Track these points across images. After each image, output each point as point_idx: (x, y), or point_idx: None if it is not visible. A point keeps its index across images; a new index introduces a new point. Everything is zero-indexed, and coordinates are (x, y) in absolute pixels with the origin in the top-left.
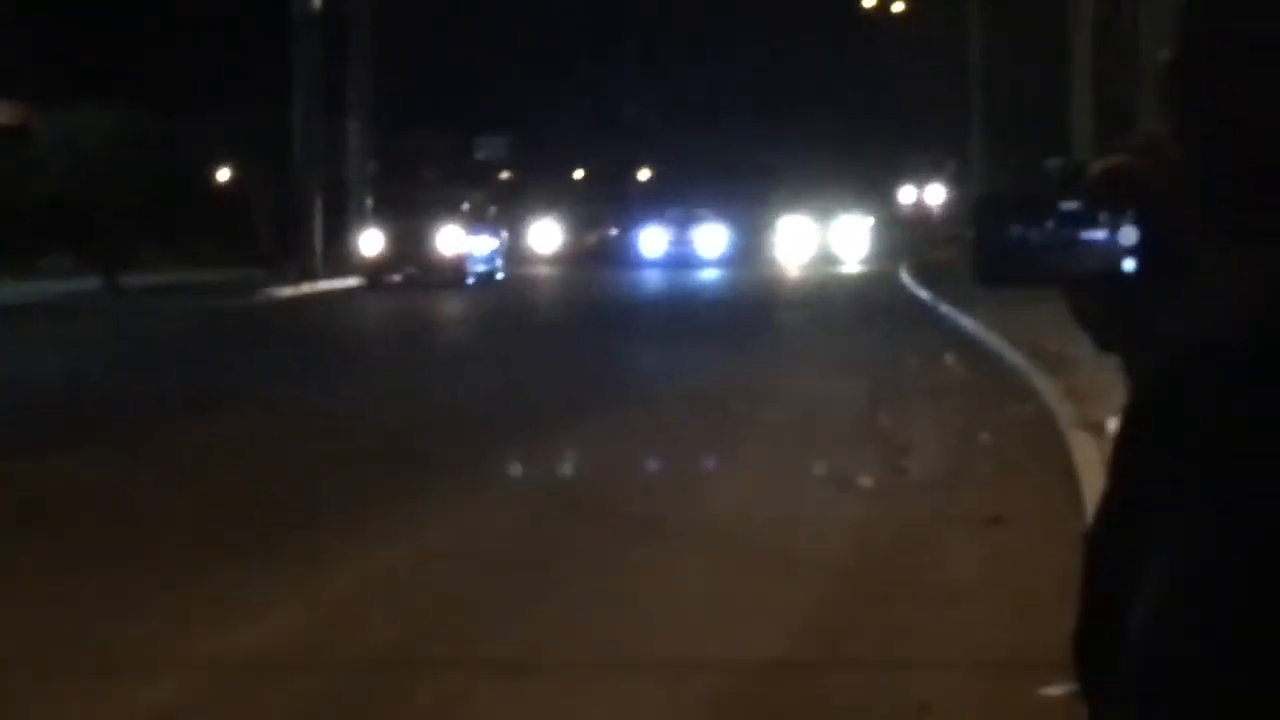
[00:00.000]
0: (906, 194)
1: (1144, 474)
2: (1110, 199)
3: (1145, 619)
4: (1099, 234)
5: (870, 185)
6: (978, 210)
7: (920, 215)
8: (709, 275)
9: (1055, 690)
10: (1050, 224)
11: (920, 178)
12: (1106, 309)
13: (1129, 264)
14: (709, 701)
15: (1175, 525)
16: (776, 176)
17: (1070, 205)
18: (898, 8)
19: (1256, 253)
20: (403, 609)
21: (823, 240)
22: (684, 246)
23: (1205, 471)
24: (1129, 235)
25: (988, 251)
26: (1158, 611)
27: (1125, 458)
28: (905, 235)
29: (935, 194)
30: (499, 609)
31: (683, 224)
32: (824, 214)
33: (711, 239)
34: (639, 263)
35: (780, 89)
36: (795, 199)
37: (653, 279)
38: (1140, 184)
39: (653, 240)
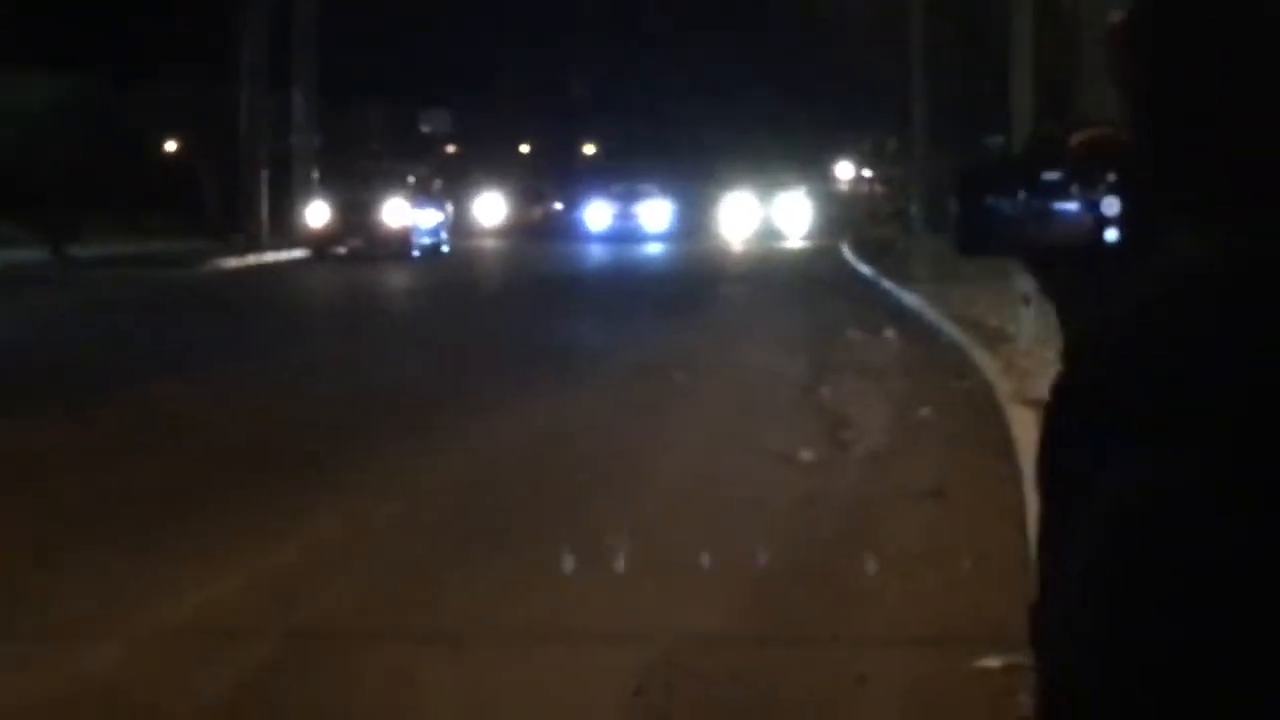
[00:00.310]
0: (843, 170)
1: (1084, 444)
2: (1091, 169)
3: (1079, 577)
4: (1072, 205)
5: (811, 163)
6: (961, 183)
7: (861, 192)
8: (653, 249)
9: (992, 662)
10: (1023, 195)
11: (858, 156)
12: (1082, 280)
13: (1111, 235)
14: (646, 672)
15: (1109, 495)
16: (719, 153)
17: (1051, 176)
18: None
19: (1207, 227)
20: (347, 577)
21: (765, 216)
22: (629, 221)
23: (1150, 431)
24: (1111, 206)
25: (969, 223)
26: (1092, 565)
27: (1069, 425)
28: (846, 211)
29: (870, 172)
30: (442, 578)
31: (627, 198)
32: (767, 190)
33: (656, 214)
34: (584, 237)
35: (722, 66)
36: (738, 176)
37: (597, 253)
38: (1123, 155)
39: (597, 214)
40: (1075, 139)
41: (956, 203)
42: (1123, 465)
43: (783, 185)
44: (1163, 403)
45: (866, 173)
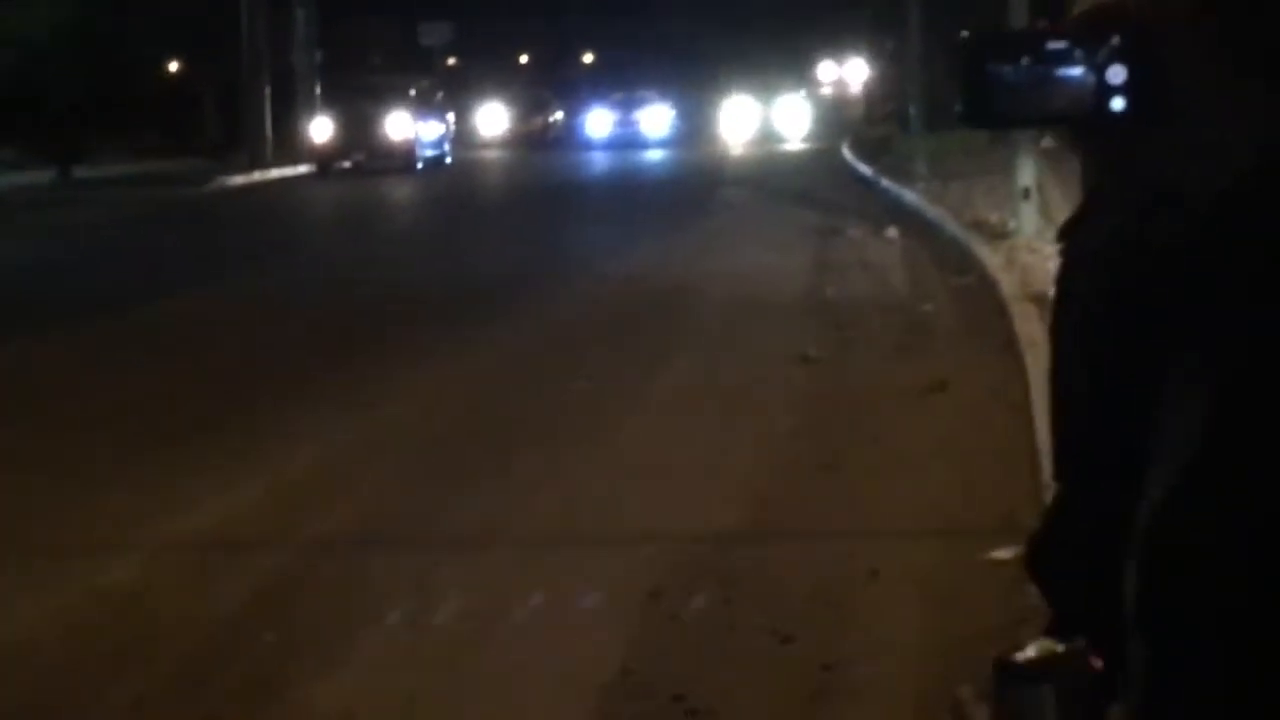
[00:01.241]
0: (826, 71)
1: (1144, 339)
2: (1098, 34)
3: (1164, 494)
4: (1076, 70)
5: (810, 66)
6: (961, 51)
7: (856, 92)
8: (655, 156)
9: (1003, 554)
10: (1025, 62)
11: (852, 55)
12: (1089, 148)
13: (1117, 103)
14: (663, 571)
15: (1195, 392)
16: (718, 58)
17: (1056, 44)
18: None
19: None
20: (359, 488)
21: (765, 119)
22: (629, 128)
23: (1238, 330)
24: (1117, 73)
25: (972, 92)
26: (1180, 487)
27: (1118, 319)
28: (845, 113)
29: (858, 71)
30: (452, 485)
31: (628, 106)
32: (766, 94)
33: (656, 120)
34: (585, 145)
35: None
36: (737, 80)
37: (600, 161)
38: (1133, 18)
39: (598, 122)
40: (1079, 5)
41: (959, 71)
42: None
43: (782, 89)
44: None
45: (848, 72)
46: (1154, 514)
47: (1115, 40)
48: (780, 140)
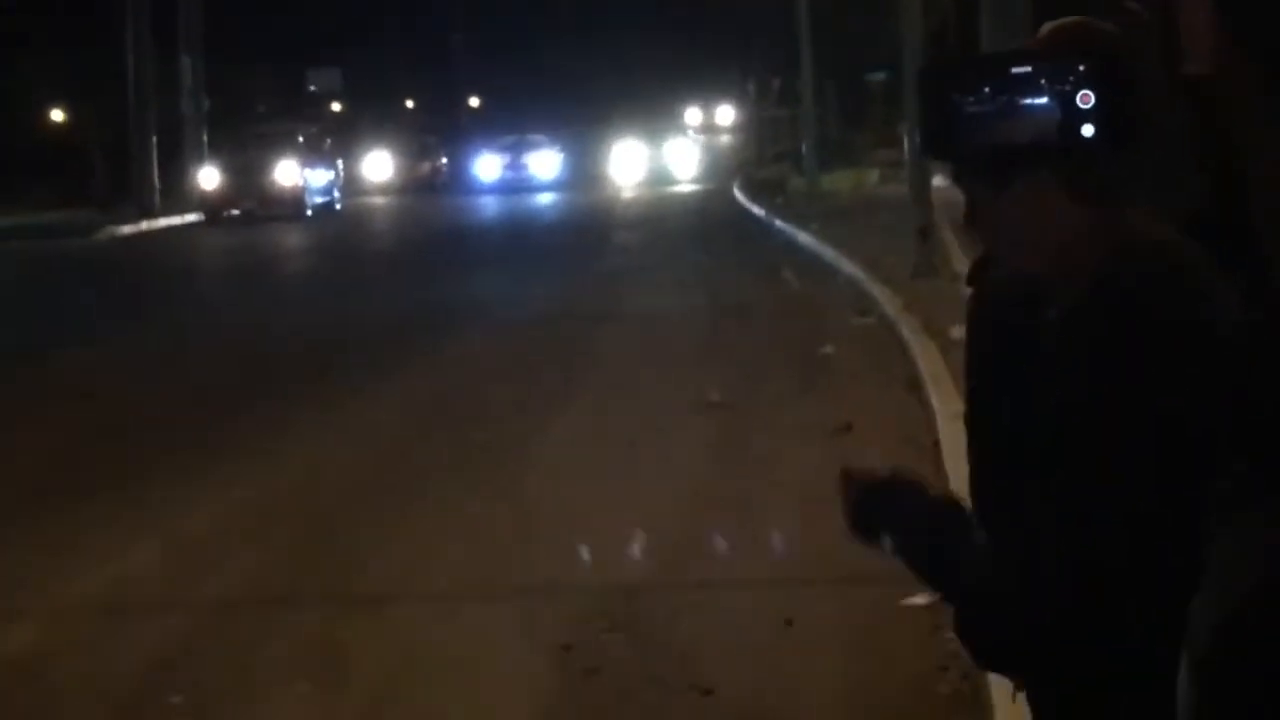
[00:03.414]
0: (724, 114)
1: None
2: (1066, 59)
3: (1226, 611)
4: (1041, 99)
5: (697, 108)
6: (921, 83)
7: (746, 135)
8: (545, 199)
9: (918, 600)
10: (987, 91)
11: (742, 99)
12: (1061, 177)
13: (1087, 129)
14: (574, 623)
15: (1249, 510)
16: (605, 101)
17: (1020, 69)
18: None
19: None
20: (262, 543)
21: (654, 161)
22: (518, 171)
23: None
24: (1086, 100)
25: (932, 123)
26: (1243, 607)
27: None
28: (734, 155)
29: (744, 113)
30: (354, 540)
31: (516, 150)
32: (654, 136)
33: (546, 163)
34: (474, 189)
35: (601, 17)
36: (625, 124)
37: (489, 205)
38: (1101, 43)
39: (487, 166)
40: (1047, 27)
41: (917, 101)
42: None
43: (670, 132)
44: None
45: (718, 117)
46: (1216, 634)
47: (1083, 66)
48: (670, 182)
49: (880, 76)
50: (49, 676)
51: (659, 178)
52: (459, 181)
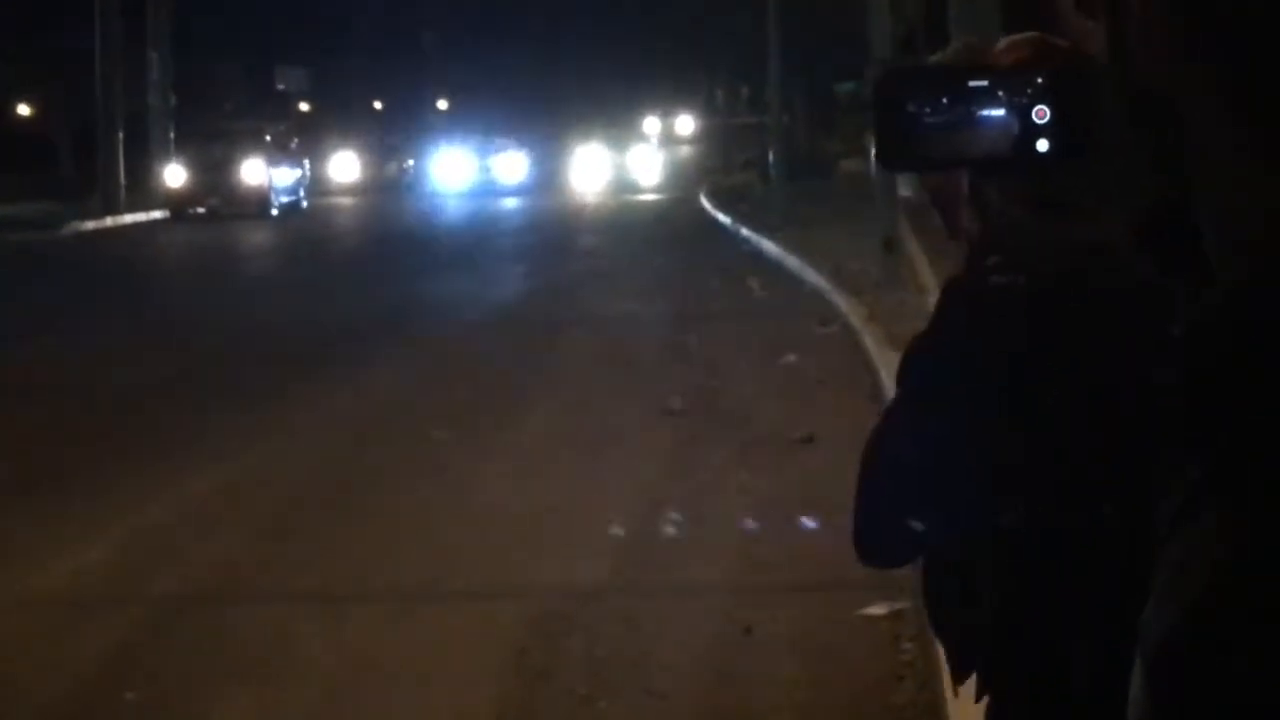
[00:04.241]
0: (650, 125)
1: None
2: (1023, 73)
3: (1173, 617)
4: (999, 111)
5: (662, 114)
6: (877, 93)
7: (712, 141)
8: (510, 203)
9: (876, 609)
10: (946, 101)
11: (709, 106)
12: (1013, 189)
13: (1042, 144)
14: (529, 627)
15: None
16: (569, 106)
17: (977, 82)
18: None
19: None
20: (217, 540)
21: (619, 167)
22: (484, 174)
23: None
24: (1041, 115)
25: (889, 133)
26: (1193, 610)
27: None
28: (700, 161)
29: (685, 124)
30: (310, 538)
31: (482, 152)
32: (619, 142)
33: (511, 167)
34: (440, 192)
35: (567, 21)
36: (590, 128)
37: (455, 207)
38: (1058, 58)
39: (452, 169)
40: (1004, 42)
41: (874, 112)
42: None
43: (634, 137)
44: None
45: (678, 126)
46: (1169, 633)
47: (1040, 80)
48: (635, 189)
49: (849, 87)
50: (4, 668)
51: (624, 184)
52: (424, 183)
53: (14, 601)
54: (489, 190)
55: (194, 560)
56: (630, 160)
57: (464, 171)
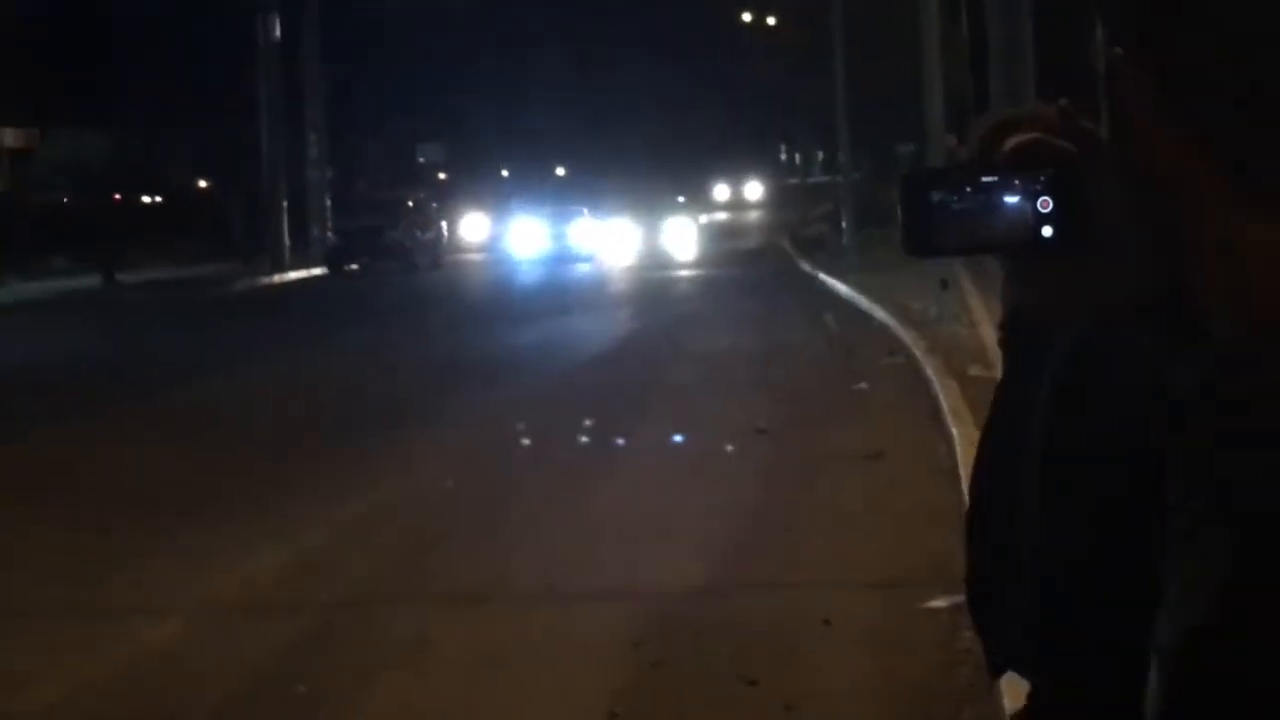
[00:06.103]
0: (720, 191)
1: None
2: (1029, 170)
3: (1183, 631)
4: (1015, 198)
5: (731, 181)
6: (903, 186)
7: (790, 199)
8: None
9: (938, 603)
10: (969, 189)
11: (775, 170)
12: (1025, 274)
13: (1046, 230)
14: (642, 624)
15: (1200, 521)
16: (677, 174)
17: (989, 179)
18: (771, 22)
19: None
20: (369, 554)
21: (702, 229)
22: (558, 243)
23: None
24: (1045, 205)
25: (915, 222)
26: (1204, 627)
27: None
28: (782, 215)
29: (754, 189)
30: (448, 547)
31: (556, 219)
32: (704, 209)
33: (588, 234)
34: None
35: (667, 97)
36: (683, 192)
37: (578, 267)
38: (1057, 157)
39: (525, 236)
40: (1009, 144)
41: (900, 204)
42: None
43: (708, 204)
44: None
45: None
46: (1185, 636)
47: (1044, 176)
48: (730, 242)
49: (910, 148)
50: (189, 666)
51: (716, 240)
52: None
53: (193, 608)
54: (566, 258)
55: (351, 571)
56: (710, 223)
57: (537, 239)
